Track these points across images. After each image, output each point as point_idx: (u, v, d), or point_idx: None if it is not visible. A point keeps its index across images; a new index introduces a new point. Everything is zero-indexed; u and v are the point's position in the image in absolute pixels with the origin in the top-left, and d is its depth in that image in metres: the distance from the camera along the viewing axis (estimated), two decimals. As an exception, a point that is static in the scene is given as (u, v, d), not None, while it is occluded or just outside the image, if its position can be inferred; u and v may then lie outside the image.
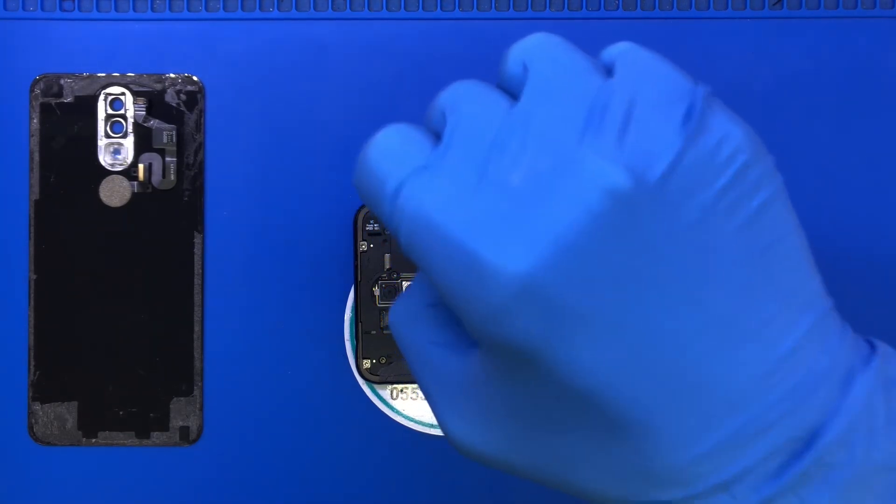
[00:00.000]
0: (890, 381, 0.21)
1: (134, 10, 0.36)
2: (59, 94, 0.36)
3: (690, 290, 0.20)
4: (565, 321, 0.20)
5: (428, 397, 0.25)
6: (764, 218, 0.21)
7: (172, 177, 0.36)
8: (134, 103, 0.36)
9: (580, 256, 0.20)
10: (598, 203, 0.19)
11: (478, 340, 0.22)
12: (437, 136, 0.23)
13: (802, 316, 0.21)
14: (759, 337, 0.21)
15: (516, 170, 0.21)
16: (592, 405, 0.21)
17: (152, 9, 0.36)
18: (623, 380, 0.20)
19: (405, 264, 0.35)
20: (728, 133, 0.21)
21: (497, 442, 0.23)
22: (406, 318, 0.25)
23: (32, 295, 0.36)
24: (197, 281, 0.36)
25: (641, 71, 0.21)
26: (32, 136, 0.36)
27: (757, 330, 0.21)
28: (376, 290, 0.35)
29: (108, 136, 0.36)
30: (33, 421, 0.36)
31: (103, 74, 0.36)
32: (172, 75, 0.36)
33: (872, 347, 0.22)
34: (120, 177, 0.36)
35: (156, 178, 0.36)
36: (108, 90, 0.36)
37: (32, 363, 0.36)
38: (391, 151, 0.23)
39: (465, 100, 0.23)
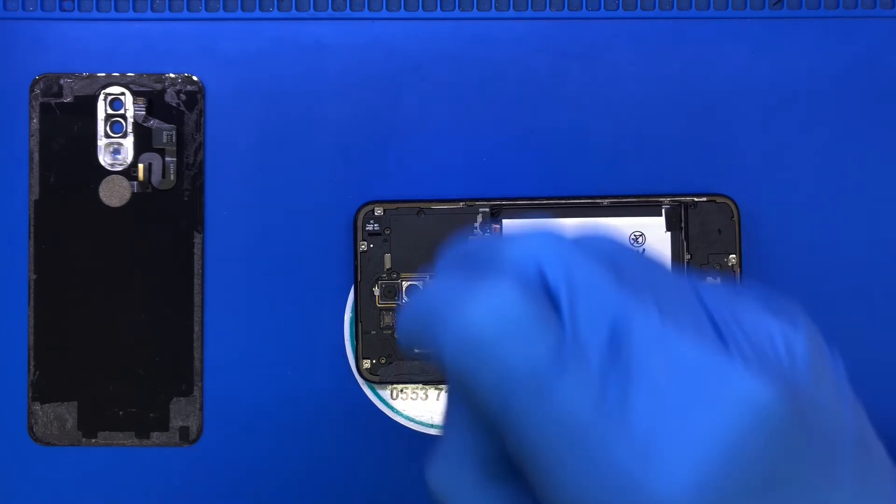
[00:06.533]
0: None
1: (134, 9, 0.36)
2: (59, 94, 0.36)
3: (823, 495, 0.19)
4: None
5: None
6: (853, 401, 0.21)
7: (172, 177, 0.36)
8: (134, 103, 0.36)
9: (741, 475, 0.18)
10: (758, 423, 0.18)
11: None
12: (549, 300, 0.20)
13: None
14: None
15: (659, 375, 0.19)
16: None
17: (152, 9, 0.36)
18: None
19: (405, 264, 0.35)
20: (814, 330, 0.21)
21: None
22: (454, 490, 0.22)
23: (32, 295, 0.36)
24: (197, 281, 0.36)
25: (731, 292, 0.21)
26: (32, 136, 0.36)
27: None
28: (376, 290, 0.35)
29: (107, 136, 0.36)
30: (33, 421, 0.36)
31: (103, 74, 0.36)
32: (172, 75, 0.36)
33: None
34: (120, 177, 0.36)
35: (155, 178, 0.36)
36: (108, 90, 0.36)
37: (32, 363, 0.36)
38: (516, 328, 0.19)
39: (575, 263, 0.20)
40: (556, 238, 0.20)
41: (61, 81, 0.36)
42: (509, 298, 0.19)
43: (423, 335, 0.20)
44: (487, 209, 0.35)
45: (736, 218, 0.35)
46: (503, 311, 0.19)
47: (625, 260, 0.21)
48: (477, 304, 0.19)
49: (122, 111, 0.36)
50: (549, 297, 0.20)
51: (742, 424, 0.18)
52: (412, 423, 0.36)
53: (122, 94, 0.36)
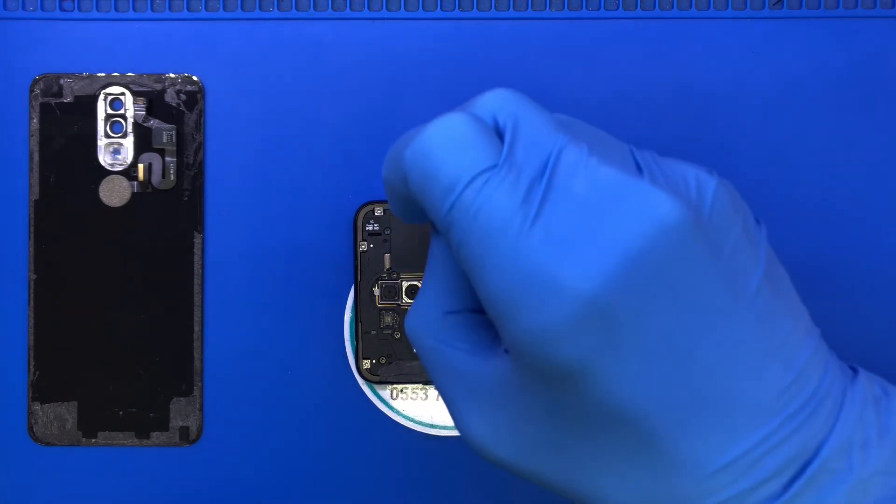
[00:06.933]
0: (876, 398, 0.24)
1: (134, 9, 0.36)
2: (59, 94, 0.36)
3: (726, 311, 0.22)
4: (620, 340, 0.21)
5: (448, 401, 0.25)
6: (767, 251, 0.23)
7: (172, 177, 0.36)
8: (134, 103, 0.36)
9: (644, 275, 0.21)
10: (660, 229, 0.21)
11: (518, 354, 0.22)
12: (498, 134, 0.23)
13: (808, 336, 0.23)
14: (779, 355, 0.22)
15: (579, 189, 0.21)
16: (628, 421, 0.22)
17: (152, 9, 0.36)
18: (661, 397, 0.21)
19: (405, 264, 0.35)
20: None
21: (519, 447, 0.23)
22: (424, 324, 0.25)
23: (32, 295, 0.36)
24: (197, 281, 0.36)
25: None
26: (32, 136, 0.36)
27: (777, 349, 0.22)
28: (376, 290, 0.35)
29: (107, 135, 0.36)
30: (33, 421, 0.36)
31: (103, 74, 0.36)
32: (172, 75, 0.36)
33: (853, 370, 0.25)
34: (120, 177, 0.36)
35: (155, 177, 0.36)
36: (108, 90, 0.36)
37: (32, 363, 0.36)
38: (463, 142, 0.22)
39: (522, 108, 0.23)
40: (513, 92, 0.23)
41: (61, 81, 0.36)
42: (457, 121, 0.22)
43: (394, 162, 0.24)
44: (487, 209, 0.35)
45: (736, 218, 0.35)
46: (451, 129, 0.22)
47: (571, 121, 0.24)
48: (431, 127, 0.22)
49: (122, 111, 0.36)
50: (499, 135, 0.23)
51: (646, 230, 0.21)
52: (412, 423, 0.36)
53: (122, 94, 0.36)
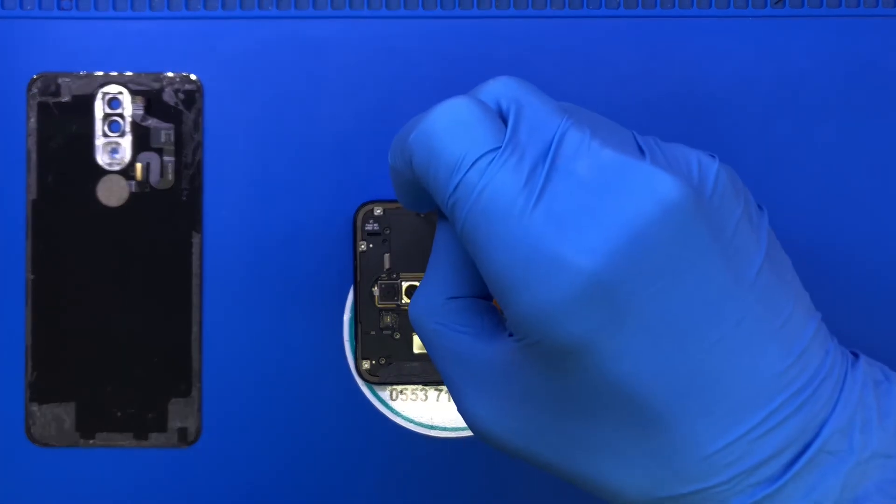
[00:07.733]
0: (876, 381, 0.24)
1: (132, 8, 0.36)
2: (57, 94, 0.36)
3: (728, 290, 0.22)
4: (623, 317, 0.21)
5: (450, 385, 0.25)
6: (768, 235, 0.24)
7: (170, 176, 0.36)
8: (132, 102, 0.36)
9: (646, 254, 0.21)
10: (662, 208, 0.21)
11: (521, 332, 0.22)
12: (502, 119, 0.23)
13: (809, 319, 0.24)
14: (780, 336, 0.22)
15: (581, 171, 0.22)
16: (629, 399, 0.22)
17: (150, 7, 0.36)
18: (662, 375, 0.22)
19: (405, 264, 0.35)
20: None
21: (523, 429, 0.24)
22: (428, 309, 0.25)
23: (30, 295, 0.36)
24: (195, 281, 0.36)
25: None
26: (30, 135, 0.36)
27: (778, 330, 0.22)
28: (376, 291, 0.35)
29: (105, 135, 0.36)
30: (31, 422, 0.36)
31: (101, 73, 0.36)
32: (170, 74, 0.36)
33: (855, 355, 0.25)
34: (118, 176, 0.36)
35: (154, 177, 0.36)
36: (106, 89, 0.36)
37: (30, 364, 0.36)
38: (467, 125, 0.23)
39: (525, 94, 0.23)
40: (516, 79, 0.24)
41: (59, 80, 0.36)
42: (462, 104, 0.23)
43: (399, 146, 0.25)
44: (488, 209, 0.35)
45: (737, 218, 0.35)
46: (455, 111, 0.23)
47: (574, 108, 0.24)
48: (436, 110, 0.23)
49: (119, 110, 0.36)
50: (503, 119, 0.23)
51: (649, 208, 0.21)
52: (411, 424, 0.36)
53: (120, 92, 0.36)
